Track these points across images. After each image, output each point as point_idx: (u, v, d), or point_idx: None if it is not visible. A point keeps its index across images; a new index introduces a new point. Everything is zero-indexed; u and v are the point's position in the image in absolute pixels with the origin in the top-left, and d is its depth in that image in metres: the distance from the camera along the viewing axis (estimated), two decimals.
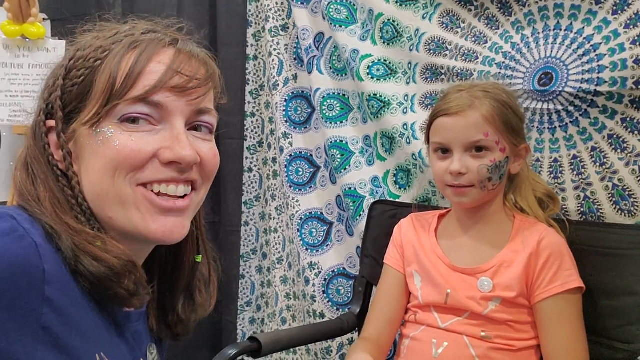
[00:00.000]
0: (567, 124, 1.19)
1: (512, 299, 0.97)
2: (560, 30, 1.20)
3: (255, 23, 1.73)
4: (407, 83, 1.44)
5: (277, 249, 1.72)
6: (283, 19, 1.65)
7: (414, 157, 1.40)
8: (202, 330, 1.90)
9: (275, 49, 1.65)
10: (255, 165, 1.80)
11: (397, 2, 1.43)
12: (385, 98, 1.44)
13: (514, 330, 0.98)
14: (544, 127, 1.23)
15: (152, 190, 0.56)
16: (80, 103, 0.56)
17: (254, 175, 1.80)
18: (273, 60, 1.65)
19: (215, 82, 0.62)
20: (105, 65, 0.56)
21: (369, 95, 1.45)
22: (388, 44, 1.46)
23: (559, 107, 1.20)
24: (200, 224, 0.69)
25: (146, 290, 0.56)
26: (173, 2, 1.85)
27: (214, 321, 1.91)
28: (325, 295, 1.58)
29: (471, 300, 0.99)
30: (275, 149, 1.70)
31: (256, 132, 1.78)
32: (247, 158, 1.78)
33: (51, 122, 0.57)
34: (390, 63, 1.46)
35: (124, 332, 0.58)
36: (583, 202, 1.17)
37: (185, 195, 0.57)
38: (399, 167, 1.47)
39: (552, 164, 1.23)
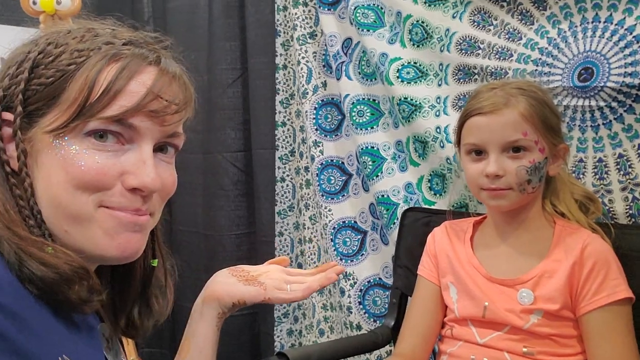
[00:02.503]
0: (610, 121, 1.12)
1: (556, 311, 0.91)
2: (600, 22, 1.13)
3: (284, 32, 1.72)
4: (439, 85, 1.39)
5: (312, 259, 1.70)
6: (311, 27, 1.63)
7: (448, 161, 1.34)
8: (241, 342, 1.89)
9: (303, 57, 1.63)
10: (287, 175, 1.78)
11: (425, 3, 1.39)
12: (416, 101, 1.40)
13: (559, 345, 0.91)
14: (586, 125, 1.16)
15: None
16: (45, 106, 0.52)
17: (287, 185, 1.78)
18: (302, 69, 1.63)
19: (191, 107, 0.60)
20: (81, 73, 0.52)
21: (400, 99, 1.41)
22: (418, 46, 1.42)
23: (602, 104, 1.13)
24: (157, 227, 0.66)
25: (100, 297, 0.53)
26: (204, 16, 1.87)
27: (253, 333, 1.90)
28: (361, 306, 1.54)
29: (511, 313, 0.93)
30: (307, 157, 1.68)
31: (287, 142, 1.76)
32: (279, 168, 1.77)
33: (8, 115, 0.53)
34: (420, 65, 1.42)
35: (83, 332, 0.55)
36: (632, 204, 1.09)
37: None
38: (433, 172, 1.42)
39: (597, 164, 1.16)
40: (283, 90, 1.74)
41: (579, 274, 0.90)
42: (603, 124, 1.14)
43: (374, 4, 1.48)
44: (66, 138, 0.52)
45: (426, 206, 1.40)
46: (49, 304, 0.50)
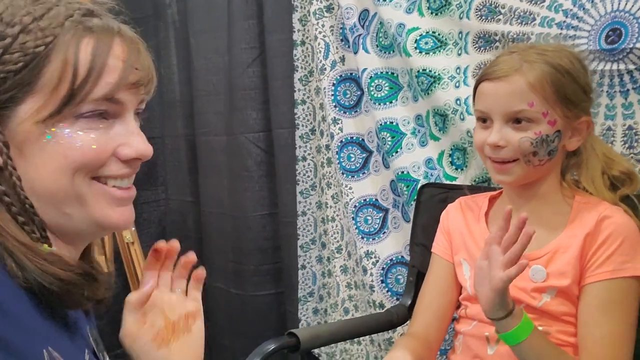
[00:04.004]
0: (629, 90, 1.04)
1: (567, 288, 0.85)
2: None
3: (301, 7, 1.68)
4: (459, 54, 1.33)
5: (335, 238, 1.68)
6: (327, 0, 1.59)
7: (469, 134, 1.29)
8: (268, 320, 1.91)
9: (320, 32, 1.59)
10: (309, 154, 1.75)
11: None
12: (435, 72, 1.34)
13: (574, 326, 0.86)
14: (615, 91, 1.08)
15: (107, 184, 0.56)
16: (19, 93, 0.50)
17: (308, 164, 1.76)
18: (319, 44, 1.59)
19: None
20: (56, 54, 0.51)
21: (418, 71, 1.36)
22: (436, 14, 1.35)
23: (631, 67, 1.05)
24: None
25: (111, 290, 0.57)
26: None
27: (280, 312, 1.91)
28: (383, 284, 1.51)
29: (522, 291, 0.88)
30: (327, 135, 1.65)
31: (308, 120, 1.74)
32: (299, 147, 1.74)
33: None
34: (439, 34, 1.36)
35: (69, 330, 0.55)
36: None
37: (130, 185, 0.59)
38: (454, 146, 1.36)
39: (627, 131, 1.08)
40: (302, 67, 1.71)
41: (591, 244, 0.85)
42: (633, 88, 1.06)
43: None
44: (54, 123, 0.52)
45: (447, 182, 1.35)
46: (34, 296, 0.50)
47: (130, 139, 0.56)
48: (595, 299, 0.84)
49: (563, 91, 0.87)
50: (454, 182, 1.34)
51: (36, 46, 0.51)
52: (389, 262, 1.51)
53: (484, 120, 0.92)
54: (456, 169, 1.36)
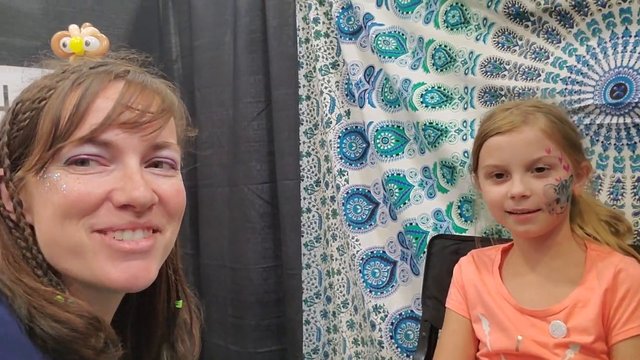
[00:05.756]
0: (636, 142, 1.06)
1: (590, 344, 0.83)
2: (630, 37, 1.08)
3: (306, 63, 1.72)
4: (465, 108, 1.36)
5: (341, 292, 1.65)
6: (332, 57, 1.63)
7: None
8: None
9: (326, 87, 1.62)
10: (313, 206, 1.75)
11: (447, 27, 1.37)
12: (442, 126, 1.36)
13: None
14: (622, 144, 1.10)
15: (113, 237, 0.52)
16: (26, 149, 0.52)
17: (313, 216, 1.75)
18: (325, 98, 1.62)
19: (174, 112, 0.57)
20: (49, 105, 0.52)
21: (425, 124, 1.38)
22: (441, 70, 1.39)
23: (637, 120, 1.07)
24: (178, 267, 0.64)
25: (116, 347, 0.50)
26: (229, 52, 1.89)
27: None
28: (393, 340, 1.47)
29: (544, 347, 0.86)
30: (332, 187, 1.65)
31: (312, 172, 1.74)
32: (304, 198, 1.74)
33: (0, 172, 0.53)
34: (444, 89, 1.39)
35: None
36: None
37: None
38: (462, 198, 1.37)
39: (636, 183, 1.09)
40: (307, 121, 1.73)
41: (611, 300, 0.84)
42: (627, 144, 1.08)
43: (395, 31, 1.47)
44: (48, 170, 0.51)
45: (456, 233, 1.34)
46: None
47: (127, 184, 0.51)
48: (628, 357, 0.82)
49: (568, 137, 0.90)
50: (458, 234, 1.33)
51: (39, 101, 0.52)
52: (398, 316, 1.48)
53: (498, 175, 0.92)
54: (465, 220, 1.36)
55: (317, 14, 1.64)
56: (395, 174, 1.46)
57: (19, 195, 0.52)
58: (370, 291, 1.51)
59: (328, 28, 1.63)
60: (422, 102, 1.39)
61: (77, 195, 0.50)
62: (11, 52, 1.74)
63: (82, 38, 1.59)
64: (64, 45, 1.57)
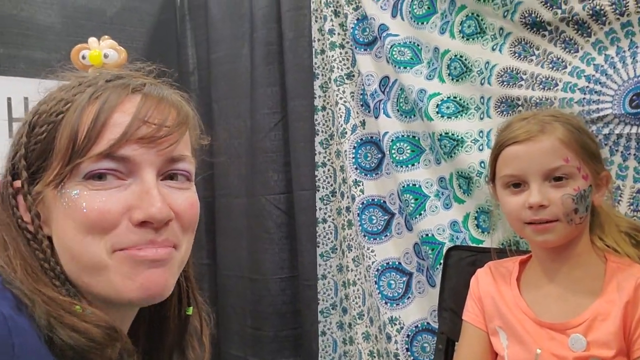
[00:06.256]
0: None
1: (611, 359, 0.81)
2: None
3: (322, 75, 1.73)
4: (481, 118, 1.35)
5: (357, 303, 1.64)
6: (348, 68, 1.64)
7: None
8: None
9: (341, 98, 1.62)
10: (329, 216, 1.75)
11: (463, 37, 1.36)
12: (458, 136, 1.35)
13: None
14: (629, 153, 1.08)
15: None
16: (44, 162, 0.53)
17: (329, 226, 1.75)
18: (340, 109, 1.62)
19: (190, 125, 0.58)
20: (67, 119, 0.52)
21: (440, 135, 1.37)
22: (457, 80, 1.38)
23: None
24: (189, 274, 0.64)
25: (132, 357, 0.51)
26: (246, 65, 1.91)
27: None
28: (409, 353, 1.46)
29: None
30: (348, 197, 1.64)
31: (328, 182, 1.74)
32: (320, 209, 1.74)
33: (18, 184, 0.54)
34: (460, 99, 1.38)
35: None
36: None
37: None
38: (479, 208, 1.35)
39: (635, 194, 1.07)
40: (322, 131, 1.74)
41: (633, 314, 0.82)
42: None
43: (410, 42, 1.47)
44: (66, 186, 0.51)
45: (474, 245, 1.33)
46: None
47: (144, 200, 0.51)
48: None
49: (587, 146, 0.89)
50: (475, 245, 1.32)
51: (57, 114, 0.53)
52: (414, 328, 1.46)
53: (515, 185, 0.91)
54: (482, 232, 1.35)
55: (333, 25, 1.64)
56: (410, 185, 1.46)
57: (36, 208, 0.53)
58: (386, 303, 1.50)
59: (343, 39, 1.64)
60: (437, 112, 1.39)
61: (98, 213, 0.51)
62: (32, 65, 1.78)
63: (101, 50, 1.62)
64: (83, 57, 1.60)
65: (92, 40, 1.65)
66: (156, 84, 0.57)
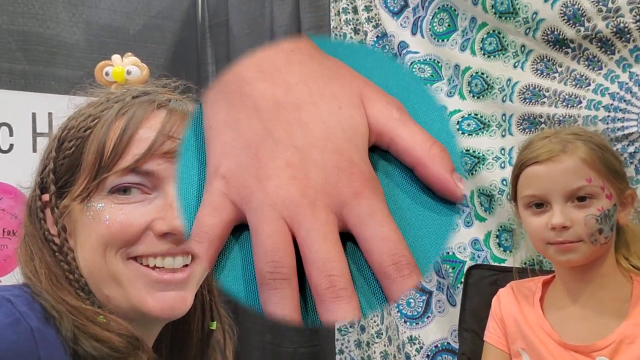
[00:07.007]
0: None
1: None
2: None
3: None
4: (503, 135, 1.33)
5: (375, 322, 1.62)
6: None
7: None
8: None
9: None
10: None
11: (484, 54, 1.36)
12: (479, 153, 1.34)
13: None
14: None
15: (148, 265, 0.52)
16: (71, 176, 0.54)
17: None
18: None
19: None
20: (94, 135, 0.53)
21: (461, 152, 1.36)
22: (478, 97, 1.37)
23: None
24: (213, 287, 0.64)
25: None
26: None
27: None
28: None
29: None
30: None
31: None
32: None
33: (46, 197, 0.55)
34: (481, 116, 1.37)
35: None
36: None
37: (185, 265, 0.54)
38: (501, 227, 1.33)
39: None
40: None
41: None
42: None
43: (430, 59, 1.47)
44: (92, 200, 0.52)
45: (495, 264, 1.31)
46: None
47: (167, 213, 0.52)
48: None
49: (611, 165, 0.88)
50: (503, 264, 1.29)
51: (85, 130, 0.54)
52: (434, 348, 1.44)
53: (537, 205, 0.89)
54: (504, 250, 1.33)
55: (352, 43, 1.65)
56: None
57: (63, 221, 0.54)
58: (405, 322, 1.48)
59: None
60: (458, 129, 1.38)
61: (120, 226, 0.51)
62: (56, 82, 1.81)
63: (124, 67, 1.64)
64: (107, 74, 1.62)
65: (116, 57, 1.68)
66: (181, 99, 0.58)
